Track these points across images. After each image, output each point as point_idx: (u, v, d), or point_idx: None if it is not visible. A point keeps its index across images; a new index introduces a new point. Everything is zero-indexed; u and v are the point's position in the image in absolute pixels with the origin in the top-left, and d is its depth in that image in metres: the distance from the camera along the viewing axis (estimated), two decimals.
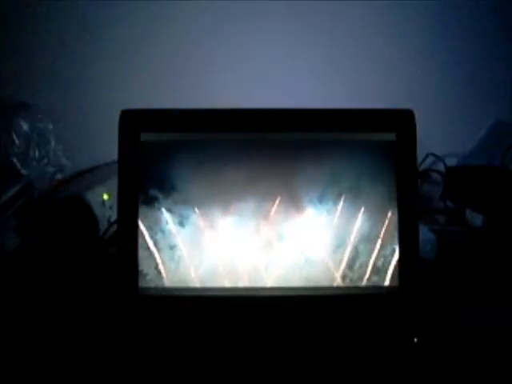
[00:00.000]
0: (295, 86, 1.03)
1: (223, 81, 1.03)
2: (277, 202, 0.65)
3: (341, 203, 0.65)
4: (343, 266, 0.65)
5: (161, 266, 0.65)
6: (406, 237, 0.65)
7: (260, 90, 1.03)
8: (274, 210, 0.65)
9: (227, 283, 0.65)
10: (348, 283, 0.65)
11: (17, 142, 0.96)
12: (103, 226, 0.86)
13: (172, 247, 0.65)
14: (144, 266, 0.65)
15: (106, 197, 0.88)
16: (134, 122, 0.65)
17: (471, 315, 0.69)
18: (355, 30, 1.05)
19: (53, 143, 1.01)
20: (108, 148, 0.92)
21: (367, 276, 0.65)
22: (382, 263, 0.65)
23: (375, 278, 0.65)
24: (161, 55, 1.05)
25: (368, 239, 0.65)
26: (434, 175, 1.04)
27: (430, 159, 1.04)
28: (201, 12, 1.03)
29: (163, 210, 0.65)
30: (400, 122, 0.66)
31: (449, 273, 0.78)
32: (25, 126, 0.98)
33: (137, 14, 1.04)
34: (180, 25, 1.04)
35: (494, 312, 0.70)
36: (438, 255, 0.83)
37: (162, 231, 0.65)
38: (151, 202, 0.65)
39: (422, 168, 1.03)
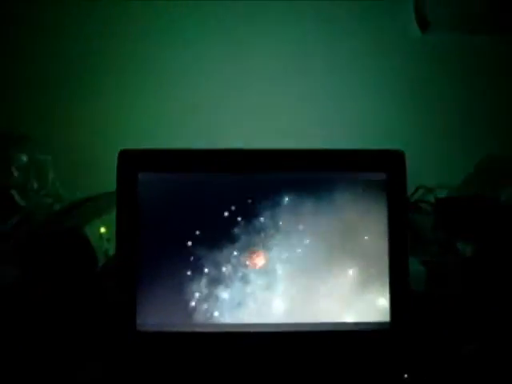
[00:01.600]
0: (288, 127, 1.06)
1: (218, 122, 1.05)
2: (271, 236, 0.67)
3: (333, 239, 0.67)
4: (333, 301, 0.66)
5: (159, 303, 0.66)
6: (397, 273, 0.67)
7: (256, 132, 1.05)
8: (267, 244, 0.67)
9: (228, 319, 0.66)
10: (338, 319, 0.66)
11: (15, 173, 0.97)
12: (100, 258, 0.86)
13: (170, 283, 0.66)
14: (142, 301, 0.66)
15: (103, 230, 0.88)
16: (131, 161, 0.67)
17: (463, 349, 0.70)
18: (349, 74, 1.08)
19: (51, 175, 1.02)
20: (105, 179, 0.95)
21: (357, 312, 0.66)
22: (373, 299, 0.67)
23: (366, 314, 0.66)
24: (159, 96, 1.07)
25: (358, 275, 0.67)
26: (425, 207, 1.05)
27: (421, 191, 1.06)
28: (198, 53, 1.06)
29: (161, 246, 0.66)
30: (390, 162, 0.67)
31: (439, 304, 0.79)
32: (24, 158, 0.99)
33: (138, 53, 1.06)
34: (178, 66, 1.07)
35: (485, 345, 0.71)
36: (428, 286, 0.84)
37: (161, 267, 0.66)
38: (149, 238, 0.66)
39: (412, 200, 1.04)
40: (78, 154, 1.07)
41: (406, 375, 0.64)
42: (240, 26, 1.06)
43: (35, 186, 1.00)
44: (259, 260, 0.66)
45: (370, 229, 0.67)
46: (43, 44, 1.06)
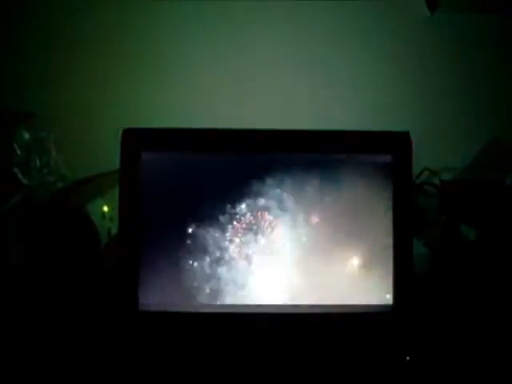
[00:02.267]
0: (294, 109, 1.05)
1: (224, 102, 1.05)
2: (275, 217, 0.66)
3: (338, 221, 0.67)
4: (338, 283, 0.66)
5: (161, 282, 0.66)
6: (401, 257, 0.67)
7: (259, 112, 1.04)
8: (271, 225, 0.67)
9: (230, 300, 0.66)
10: (343, 302, 0.66)
11: (18, 151, 0.96)
12: (103, 237, 0.86)
13: (173, 263, 0.66)
14: (144, 281, 0.66)
15: (106, 209, 0.88)
16: (135, 140, 0.67)
17: (464, 331, 0.70)
18: (354, 56, 1.07)
19: (53, 153, 1.01)
20: (108, 158, 0.95)
21: (360, 294, 0.66)
22: (377, 281, 0.67)
23: (369, 296, 0.66)
24: (163, 74, 1.06)
25: (364, 258, 0.67)
26: (429, 189, 1.04)
27: (426, 174, 1.04)
28: (204, 38, 1.05)
29: (164, 226, 0.66)
30: (396, 143, 0.67)
31: (441, 286, 0.79)
32: (26, 136, 0.98)
33: (143, 35, 1.06)
34: (183, 47, 1.06)
35: (488, 327, 0.71)
36: (430, 268, 0.85)
37: (163, 247, 0.66)
38: (152, 218, 0.66)
39: (417, 182, 1.03)
40: (81, 132, 1.06)
41: (407, 357, 0.64)
42: (246, 12, 1.05)
43: (38, 164, 0.99)
44: (264, 239, 0.67)
45: (375, 210, 0.67)
46: (51, 28, 1.05)
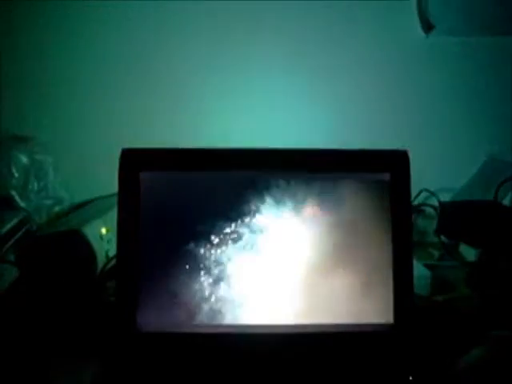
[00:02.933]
0: (294, 128, 1.07)
1: (217, 121, 1.07)
2: (274, 236, 0.67)
3: (338, 240, 0.67)
4: (338, 303, 0.66)
5: (160, 303, 0.65)
6: (401, 275, 0.66)
7: (258, 130, 1.06)
8: (270, 244, 0.67)
9: (230, 320, 0.66)
10: (344, 321, 0.66)
11: (16, 174, 0.98)
12: (101, 259, 0.86)
13: (171, 283, 0.66)
14: (143, 301, 0.65)
15: (103, 231, 0.88)
16: (133, 160, 0.67)
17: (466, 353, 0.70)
18: (354, 76, 1.09)
19: (51, 176, 1.03)
20: (105, 181, 0.95)
21: (362, 313, 0.66)
22: (377, 301, 0.66)
23: (369, 315, 0.66)
24: (157, 97, 1.09)
25: (363, 276, 0.67)
26: (428, 210, 1.06)
27: (424, 194, 1.06)
28: (197, 55, 1.08)
29: (162, 245, 0.66)
30: (394, 162, 0.68)
31: (443, 308, 0.80)
32: (24, 159, 1.00)
33: (139, 58, 1.08)
34: (181, 71, 1.09)
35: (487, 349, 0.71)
36: (431, 290, 0.85)
37: (162, 267, 0.66)
38: (151, 237, 0.66)
39: (415, 203, 1.04)
40: (78, 155, 1.08)
41: (410, 377, 0.63)
42: (241, 30, 1.08)
43: (35, 187, 1.01)
44: (263, 258, 0.67)
45: (374, 229, 0.67)
46: (46, 48, 1.07)
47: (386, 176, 0.67)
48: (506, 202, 1.00)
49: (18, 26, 1.06)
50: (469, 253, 0.97)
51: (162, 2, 1.06)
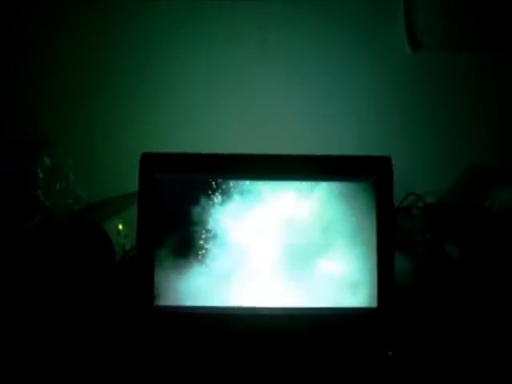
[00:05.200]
0: (287, 134, 1.14)
1: (218, 127, 1.14)
2: (273, 232, 0.75)
3: (326, 233, 0.75)
4: (328, 288, 0.75)
5: (175, 286, 0.74)
6: (384, 264, 0.75)
7: (254, 136, 1.13)
8: (269, 238, 0.75)
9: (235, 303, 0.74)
10: (332, 305, 0.74)
11: (40, 175, 1.04)
12: (118, 252, 0.93)
13: (184, 267, 0.74)
14: (159, 285, 0.74)
15: (120, 227, 0.94)
16: (151, 163, 0.75)
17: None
18: (342, 88, 1.15)
19: (71, 177, 1.09)
20: (121, 181, 1.02)
21: (349, 297, 0.74)
22: (363, 287, 0.75)
23: (355, 300, 0.74)
24: (174, 102, 1.13)
25: (349, 265, 0.75)
26: (415, 211, 1.10)
27: (411, 197, 1.10)
28: (207, 66, 1.12)
29: (177, 236, 0.75)
30: (379, 167, 0.75)
31: (427, 300, 0.85)
32: (47, 161, 1.06)
33: (158, 60, 1.12)
34: (200, 77, 1.13)
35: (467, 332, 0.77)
36: (416, 285, 0.90)
37: (177, 255, 0.75)
38: (167, 231, 0.75)
39: (403, 205, 1.09)
40: (96, 158, 1.13)
41: (390, 353, 0.71)
42: (243, 48, 1.13)
43: (58, 187, 1.06)
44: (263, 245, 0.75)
45: (361, 224, 0.75)
46: (66, 53, 1.11)
47: (372, 179, 0.75)
48: (486, 204, 1.04)
49: (38, 33, 1.10)
50: (452, 251, 1.00)
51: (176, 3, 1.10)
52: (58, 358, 0.72)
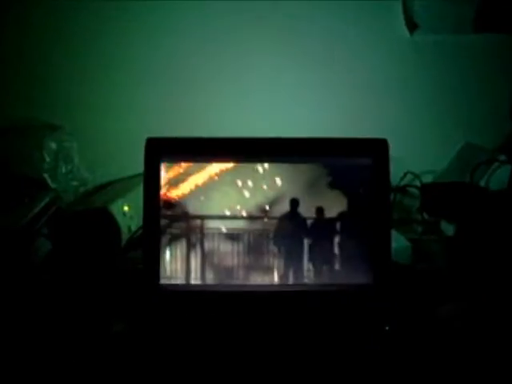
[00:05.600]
0: (288, 117, 1.16)
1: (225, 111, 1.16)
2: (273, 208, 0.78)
3: (324, 213, 0.78)
4: (327, 266, 0.77)
5: (179, 265, 0.77)
6: (380, 242, 0.77)
7: (258, 120, 1.15)
8: (269, 216, 0.78)
9: (236, 281, 0.77)
10: (328, 281, 0.77)
11: (47, 159, 1.07)
12: (124, 233, 0.95)
13: (185, 248, 0.77)
14: (164, 264, 0.77)
15: (126, 208, 0.96)
16: (156, 147, 0.77)
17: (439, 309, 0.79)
18: (342, 71, 1.17)
19: (77, 160, 1.12)
20: (126, 164, 1.05)
21: (346, 274, 0.77)
22: (359, 264, 0.78)
23: (353, 276, 0.77)
24: (177, 88, 1.16)
25: (347, 244, 0.78)
26: (412, 191, 1.13)
27: (409, 177, 1.14)
28: (211, 55, 1.15)
29: (181, 217, 0.78)
30: (375, 148, 0.78)
31: (423, 276, 0.88)
32: (53, 145, 1.08)
33: (160, 51, 1.15)
34: (204, 65, 1.15)
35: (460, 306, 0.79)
36: (413, 261, 0.93)
37: (181, 236, 0.77)
38: (171, 211, 0.78)
39: (401, 184, 1.13)
40: (101, 141, 1.15)
41: (386, 327, 0.74)
42: (244, 33, 1.14)
43: (64, 170, 1.09)
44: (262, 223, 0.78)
45: (358, 203, 0.78)
46: (69, 39, 1.13)
47: (369, 161, 0.78)
48: (481, 183, 1.07)
49: (44, 23, 1.12)
50: (448, 228, 1.03)
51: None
52: (66, 337, 0.74)
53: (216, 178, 0.78)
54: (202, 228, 0.78)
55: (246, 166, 0.78)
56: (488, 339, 0.72)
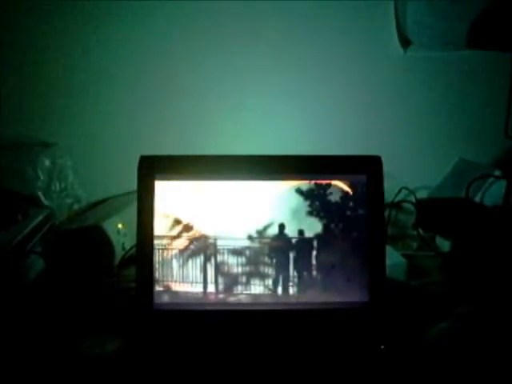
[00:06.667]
0: (282, 135, 1.16)
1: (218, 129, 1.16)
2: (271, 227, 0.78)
3: (320, 229, 0.78)
4: (323, 284, 0.77)
5: (173, 284, 0.76)
6: (375, 259, 0.77)
7: (252, 137, 1.16)
8: (265, 229, 0.78)
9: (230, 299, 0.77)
10: (324, 299, 0.77)
11: (41, 176, 1.07)
12: (118, 251, 0.95)
13: (182, 267, 0.77)
14: (158, 283, 0.76)
15: (120, 226, 0.96)
16: (149, 165, 0.77)
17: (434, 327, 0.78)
18: (336, 87, 1.17)
19: (71, 177, 1.12)
20: (119, 182, 1.05)
21: (341, 292, 0.77)
22: (354, 282, 0.77)
23: (348, 294, 0.77)
24: (171, 107, 1.15)
25: (343, 262, 0.77)
26: (407, 206, 1.13)
27: (404, 192, 1.14)
28: (203, 71, 1.15)
29: (175, 236, 0.77)
30: (370, 165, 0.78)
31: (418, 292, 0.88)
32: (47, 163, 1.08)
33: (157, 69, 1.14)
34: (194, 85, 1.15)
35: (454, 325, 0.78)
36: (408, 277, 0.93)
37: (174, 255, 0.77)
38: (165, 229, 0.77)
39: (396, 200, 1.12)
40: (95, 159, 1.15)
41: (382, 346, 0.73)
42: (237, 51, 1.14)
43: (57, 187, 1.09)
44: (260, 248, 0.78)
45: (353, 220, 0.78)
46: (64, 54, 1.12)
47: (363, 177, 0.78)
48: (476, 199, 1.08)
49: (37, 39, 1.11)
50: (443, 244, 1.04)
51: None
52: (59, 356, 0.73)
53: (209, 196, 0.78)
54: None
55: (239, 184, 0.78)
56: (484, 353, 0.72)
